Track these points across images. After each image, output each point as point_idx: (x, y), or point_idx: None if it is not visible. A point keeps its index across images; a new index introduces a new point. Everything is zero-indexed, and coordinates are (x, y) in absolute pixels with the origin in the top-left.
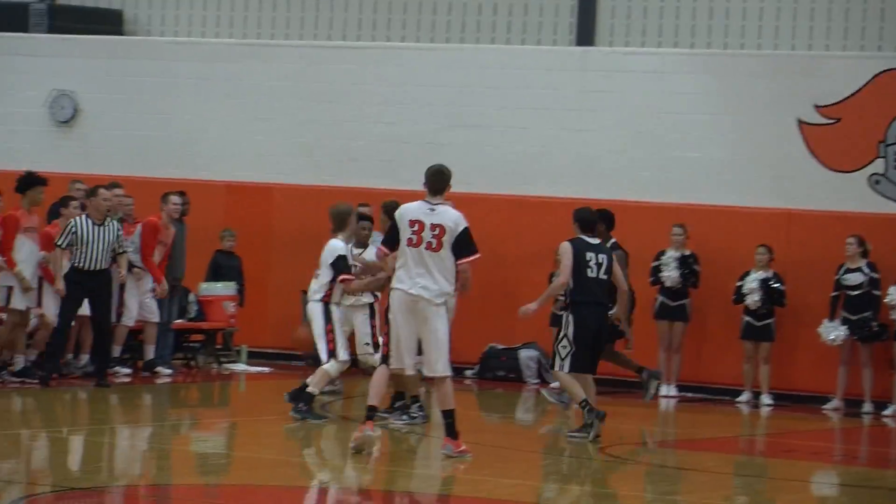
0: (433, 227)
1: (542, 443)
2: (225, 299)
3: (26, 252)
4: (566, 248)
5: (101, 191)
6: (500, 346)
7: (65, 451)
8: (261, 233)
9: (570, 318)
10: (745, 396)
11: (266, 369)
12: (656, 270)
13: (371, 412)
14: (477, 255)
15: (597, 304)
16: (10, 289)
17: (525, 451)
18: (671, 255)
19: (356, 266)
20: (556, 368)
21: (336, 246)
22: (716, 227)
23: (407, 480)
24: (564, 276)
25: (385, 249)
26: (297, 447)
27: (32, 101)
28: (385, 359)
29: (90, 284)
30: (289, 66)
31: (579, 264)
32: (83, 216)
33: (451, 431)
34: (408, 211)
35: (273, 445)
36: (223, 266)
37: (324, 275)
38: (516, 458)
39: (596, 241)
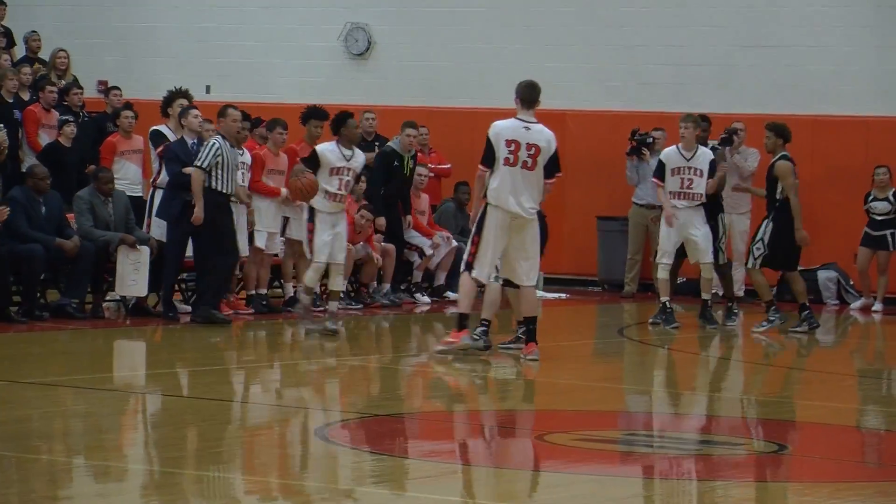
0: (529, 146)
1: (846, 365)
2: None
3: None
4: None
5: (231, 111)
6: (799, 268)
7: (366, 378)
8: None
9: None
10: None
11: (563, 295)
12: None
13: (463, 320)
14: (560, 175)
15: None
16: (286, 219)
17: (829, 372)
18: None
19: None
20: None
21: None
22: None
23: (725, 404)
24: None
25: (484, 168)
26: (597, 372)
27: (328, 34)
28: (469, 266)
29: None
30: None
31: None
32: (220, 137)
33: (533, 336)
34: (504, 130)
35: (572, 370)
36: None
37: None
38: (822, 381)
39: None
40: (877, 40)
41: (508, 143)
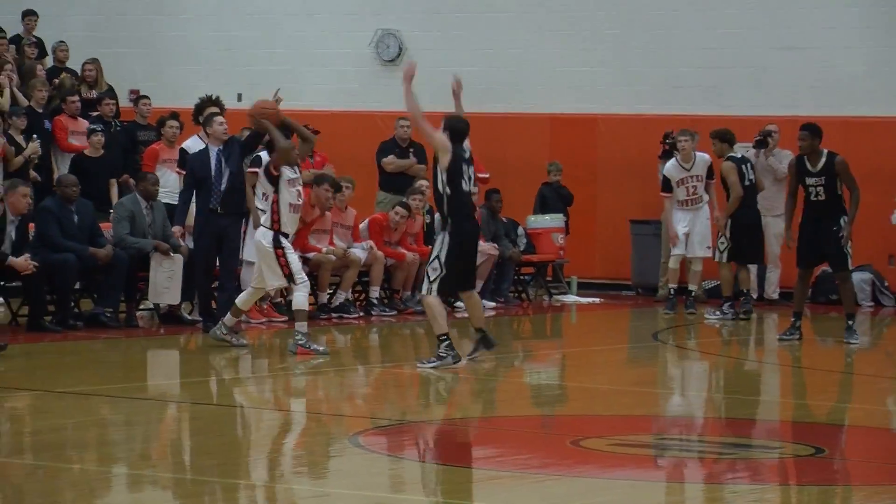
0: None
1: (881, 366)
2: (553, 231)
3: None
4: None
5: None
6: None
7: (400, 385)
8: (586, 164)
9: (447, 237)
10: None
11: (596, 300)
12: None
13: None
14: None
15: (473, 219)
16: None
17: (865, 375)
18: None
19: None
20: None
21: None
22: None
23: (761, 408)
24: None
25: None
26: (631, 376)
27: (358, 41)
28: None
29: None
30: None
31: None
32: None
33: None
34: None
35: (606, 375)
36: (550, 198)
37: None
38: (859, 383)
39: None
40: None
41: None
